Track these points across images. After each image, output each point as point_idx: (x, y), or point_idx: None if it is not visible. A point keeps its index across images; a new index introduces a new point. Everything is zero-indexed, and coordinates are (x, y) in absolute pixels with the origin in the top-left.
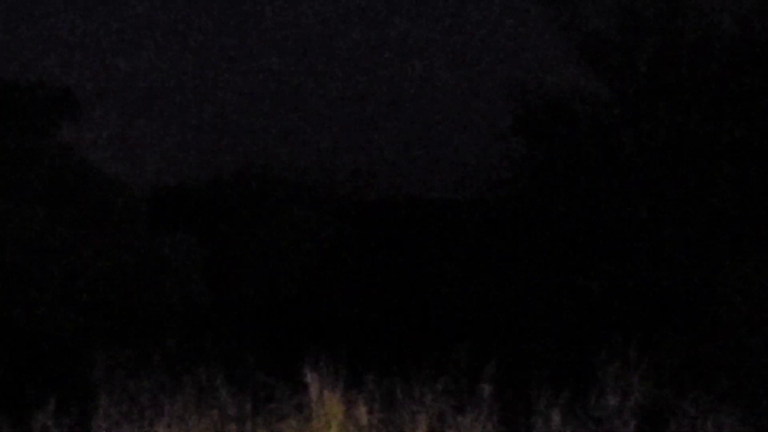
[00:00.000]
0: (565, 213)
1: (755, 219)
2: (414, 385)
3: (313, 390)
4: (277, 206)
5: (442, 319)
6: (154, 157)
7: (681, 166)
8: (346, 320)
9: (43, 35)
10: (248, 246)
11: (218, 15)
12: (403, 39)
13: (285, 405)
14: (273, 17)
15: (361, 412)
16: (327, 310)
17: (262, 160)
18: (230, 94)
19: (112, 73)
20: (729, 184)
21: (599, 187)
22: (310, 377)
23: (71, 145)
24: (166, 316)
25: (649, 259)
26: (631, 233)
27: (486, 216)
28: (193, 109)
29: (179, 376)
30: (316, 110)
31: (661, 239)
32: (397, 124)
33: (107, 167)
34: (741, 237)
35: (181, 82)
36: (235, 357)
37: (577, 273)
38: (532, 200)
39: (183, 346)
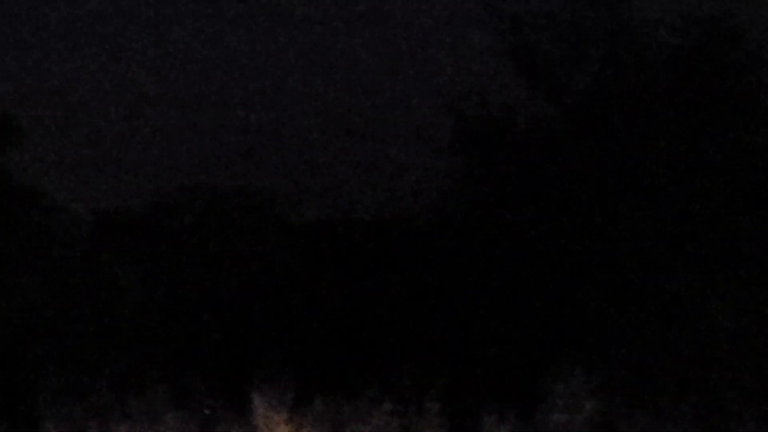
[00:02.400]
0: (510, 231)
1: (705, 235)
2: (361, 406)
3: (260, 412)
4: (224, 228)
5: (389, 339)
6: (98, 179)
7: (627, 180)
8: (293, 342)
9: None
10: (194, 269)
11: (164, 33)
12: (345, 56)
13: (231, 427)
14: (219, 34)
15: None
16: (274, 333)
17: (208, 181)
18: (178, 114)
19: (58, 97)
20: (679, 198)
21: (544, 204)
22: (257, 399)
23: (14, 169)
24: (112, 340)
25: (596, 276)
26: (578, 250)
27: (432, 235)
28: (139, 131)
29: (126, 399)
30: (260, 130)
31: (609, 256)
32: (340, 145)
33: (52, 191)
34: (691, 254)
35: (127, 105)
36: (182, 380)
37: (524, 291)
38: (478, 219)
39: (129, 369)
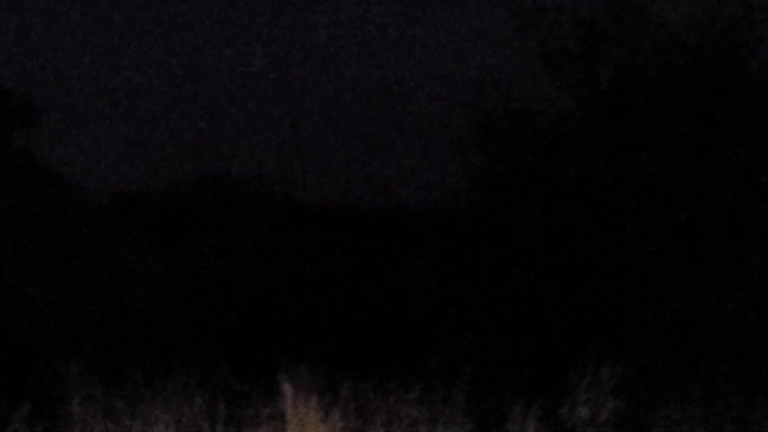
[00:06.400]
0: (530, 226)
1: (720, 232)
2: (389, 393)
3: (289, 397)
4: (248, 212)
5: (416, 328)
6: (115, 164)
7: (643, 178)
8: (322, 328)
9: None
10: (222, 252)
11: (178, 17)
12: (363, 48)
13: (260, 412)
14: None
15: (336, 419)
16: (302, 318)
17: (228, 166)
18: (192, 99)
19: (72, 78)
20: (692, 197)
21: (563, 201)
22: (286, 384)
23: (30, 150)
24: (139, 323)
25: (619, 271)
26: (599, 245)
27: (456, 227)
28: (154, 115)
29: (154, 382)
30: (275, 118)
31: (629, 250)
32: (356, 134)
33: (67, 173)
34: (708, 248)
35: (141, 88)
36: (210, 363)
37: (550, 285)
38: (499, 212)
39: (158, 352)
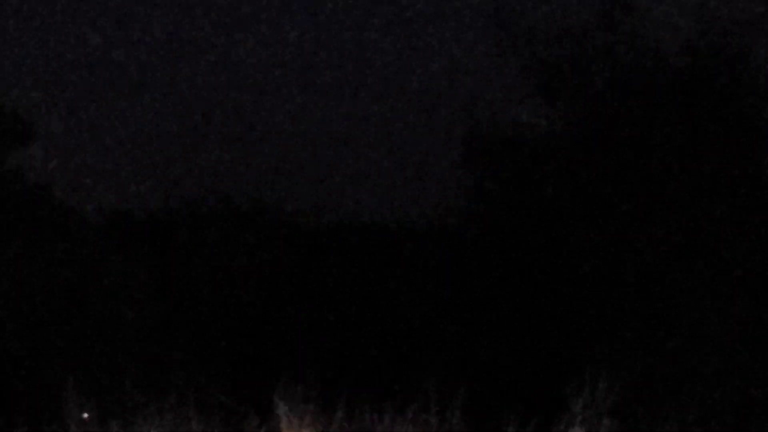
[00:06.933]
0: (523, 244)
1: (717, 249)
2: (384, 414)
3: (284, 418)
4: (244, 231)
5: (411, 347)
6: (106, 182)
7: (633, 194)
8: (317, 347)
9: None
10: (219, 272)
11: (171, 33)
12: (355, 68)
13: (255, 431)
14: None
15: None
16: (298, 337)
17: (219, 184)
18: (183, 117)
19: (64, 98)
20: (680, 211)
21: (554, 218)
22: (281, 405)
23: (22, 169)
24: (134, 343)
25: (616, 289)
26: (596, 262)
27: (451, 246)
28: (145, 132)
29: (150, 402)
30: (269, 136)
31: (626, 267)
32: (349, 152)
33: (59, 192)
34: (704, 265)
35: (132, 106)
36: (207, 384)
37: (545, 304)
38: (496, 230)
39: (154, 372)
